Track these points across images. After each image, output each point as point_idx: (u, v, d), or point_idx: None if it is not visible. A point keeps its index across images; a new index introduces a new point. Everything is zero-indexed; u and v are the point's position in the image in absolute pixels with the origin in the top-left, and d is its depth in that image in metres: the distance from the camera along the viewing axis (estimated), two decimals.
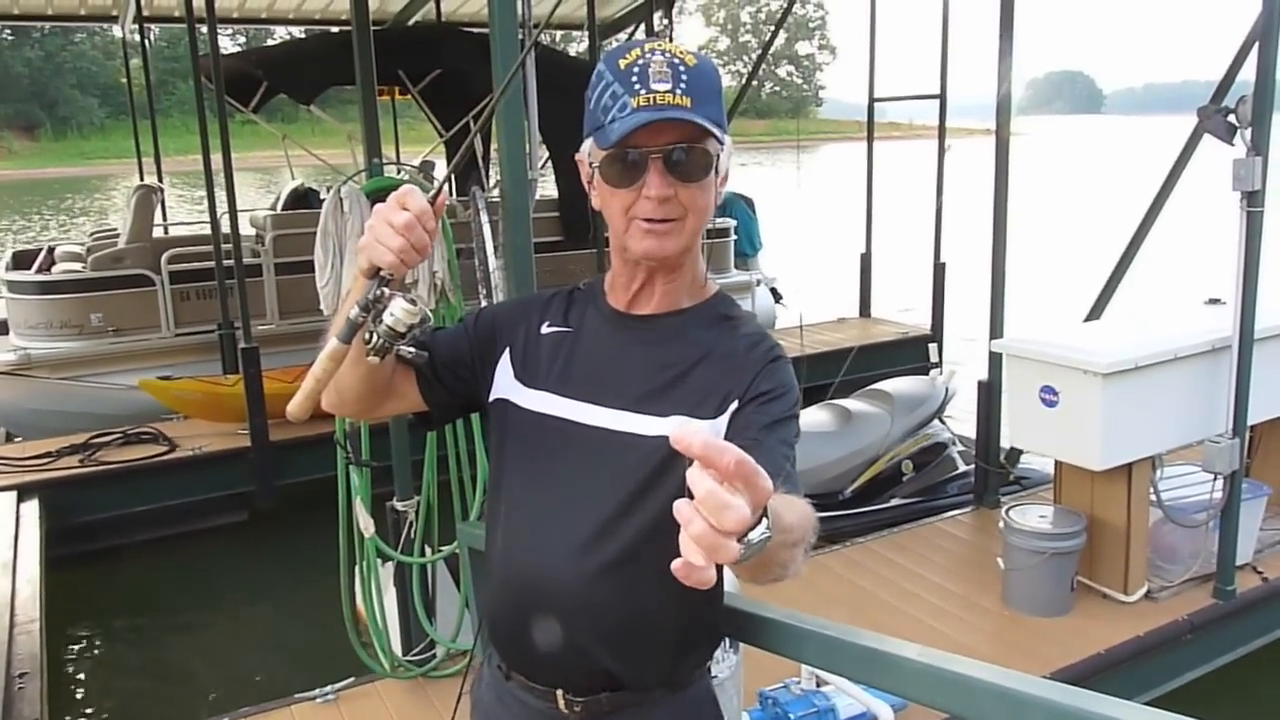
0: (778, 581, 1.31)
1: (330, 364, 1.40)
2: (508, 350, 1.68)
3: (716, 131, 1.47)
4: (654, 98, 1.44)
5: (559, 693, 1.64)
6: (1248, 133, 4.09)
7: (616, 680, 1.61)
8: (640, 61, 1.46)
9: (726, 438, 1.30)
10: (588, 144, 1.54)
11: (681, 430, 0.94)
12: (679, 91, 1.45)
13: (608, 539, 1.53)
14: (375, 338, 1.39)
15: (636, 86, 1.45)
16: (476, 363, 1.69)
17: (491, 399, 1.69)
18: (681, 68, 1.46)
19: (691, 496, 0.93)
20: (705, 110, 1.46)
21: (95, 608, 6.25)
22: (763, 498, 0.98)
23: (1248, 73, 4.32)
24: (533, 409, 1.63)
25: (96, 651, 5.84)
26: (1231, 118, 4.14)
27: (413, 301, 1.39)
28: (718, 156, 1.51)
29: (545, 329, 1.67)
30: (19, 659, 4.58)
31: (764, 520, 1.04)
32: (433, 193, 1.41)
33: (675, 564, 0.94)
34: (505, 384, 1.67)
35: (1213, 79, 4.82)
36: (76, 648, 5.82)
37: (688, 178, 1.48)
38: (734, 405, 1.55)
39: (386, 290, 1.38)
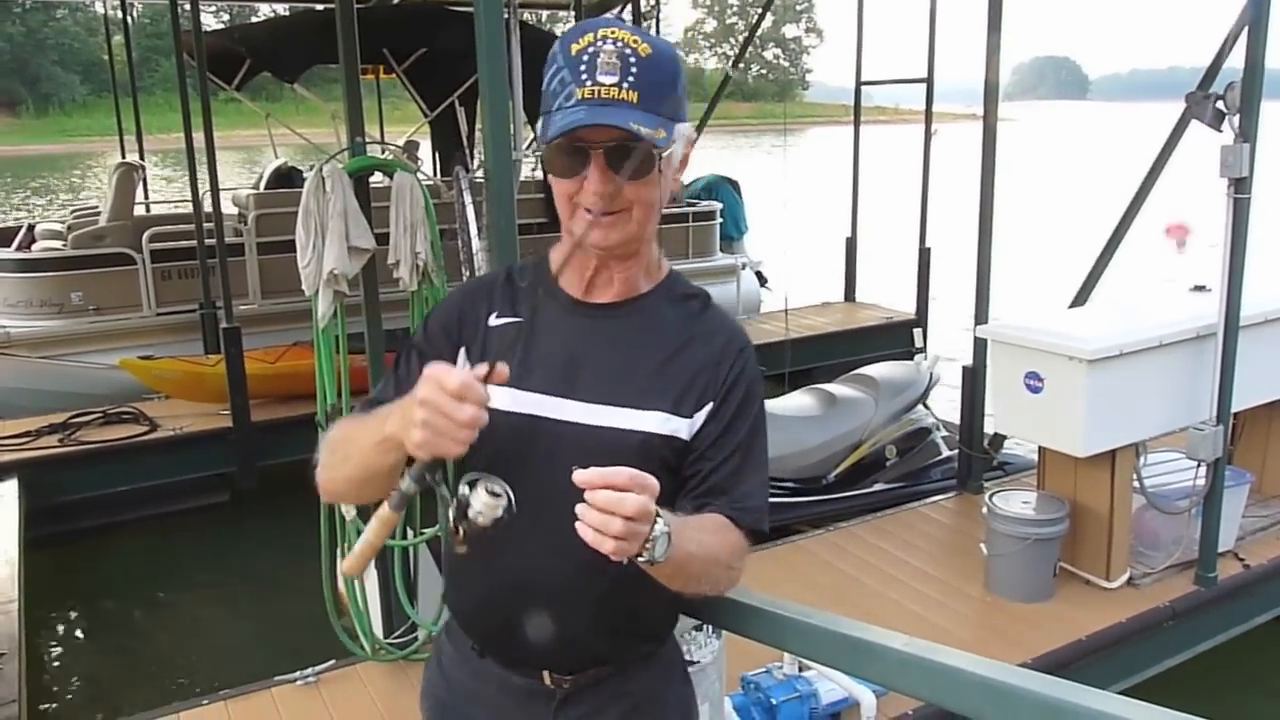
0: (703, 594, 1.55)
1: (384, 530, 1.40)
2: (463, 350, 1.63)
3: (660, 131, 1.44)
4: (598, 91, 1.42)
5: (545, 672, 1.65)
6: (1236, 119, 4.07)
7: (604, 658, 1.66)
8: (590, 49, 1.44)
9: (697, 438, 1.56)
10: (540, 125, 1.52)
11: (584, 477, 1.26)
12: (626, 85, 1.43)
13: None
14: (462, 530, 1.38)
15: (583, 76, 1.43)
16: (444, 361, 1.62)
17: None
18: (632, 58, 1.44)
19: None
20: (654, 104, 1.45)
21: (74, 588, 6.21)
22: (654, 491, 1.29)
23: (1235, 60, 4.31)
24: (499, 407, 1.48)
25: (75, 632, 5.80)
26: (1220, 104, 4.13)
27: (494, 493, 1.37)
28: (662, 154, 1.47)
29: (494, 320, 1.62)
30: None
31: (659, 521, 1.30)
32: (486, 372, 1.33)
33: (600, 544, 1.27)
34: None
35: (1199, 65, 4.82)
36: (55, 628, 5.78)
37: (626, 174, 1.44)
38: (709, 406, 1.58)
39: (460, 486, 1.39)
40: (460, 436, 1.31)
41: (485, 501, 1.36)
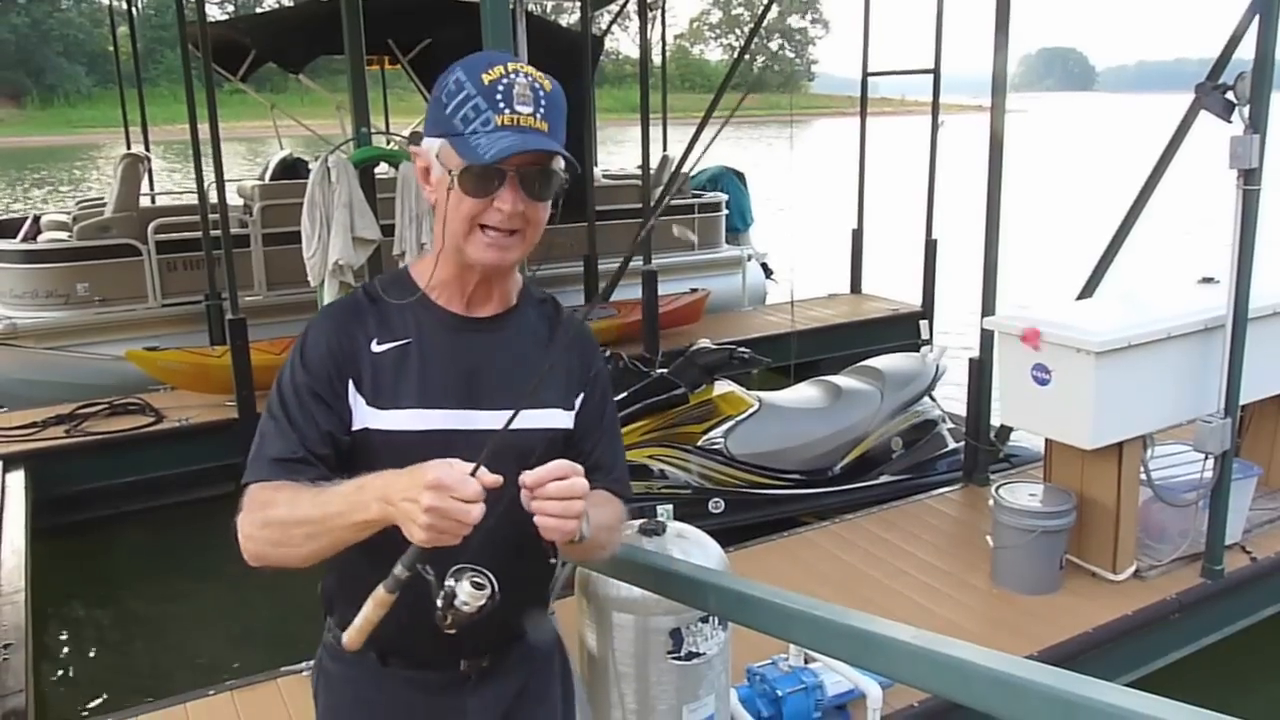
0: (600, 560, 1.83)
1: (382, 610, 1.48)
2: (351, 382, 1.66)
3: (566, 158, 1.60)
4: (518, 119, 1.54)
5: (461, 662, 1.76)
6: (1246, 110, 4.05)
7: (520, 631, 1.84)
8: (505, 80, 1.55)
9: (578, 426, 1.78)
10: (437, 143, 1.61)
11: (534, 477, 1.46)
12: (539, 115, 1.56)
13: (517, 525, 1.52)
14: (447, 616, 1.48)
15: (500, 104, 1.54)
16: (335, 414, 1.66)
17: (354, 428, 1.67)
18: (541, 92, 1.57)
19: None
20: (557, 134, 1.59)
21: (81, 579, 6.22)
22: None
23: (1244, 50, 4.28)
24: (404, 428, 1.65)
25: (82, 623, 5.81)
26: (1229, 94, 4.10)
27: (479, 585, 1.48)
28: (565, 178, 1.64)
29: (378, 347, 1.67)
30: (4, 630, 4.56)
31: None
32: (473, 468, 1.42)
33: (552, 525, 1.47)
34: (361, 414, 1.66)
35: (1206, 57, 4.79)
36: (62, 619, 5.79)
37: (537, 196, 1.60)
38: (581, 396, 1.79)
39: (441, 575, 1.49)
40: (466, 532, 1.40)
41: (470, 593, 1.47)
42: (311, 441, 1.62)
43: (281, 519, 1.55)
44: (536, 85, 1.57)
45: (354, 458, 1.66)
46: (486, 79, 1.55)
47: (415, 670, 1.72)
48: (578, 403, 1.78)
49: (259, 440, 1.65)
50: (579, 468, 1.50)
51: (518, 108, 1.55)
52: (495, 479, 1.42)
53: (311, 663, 1.93)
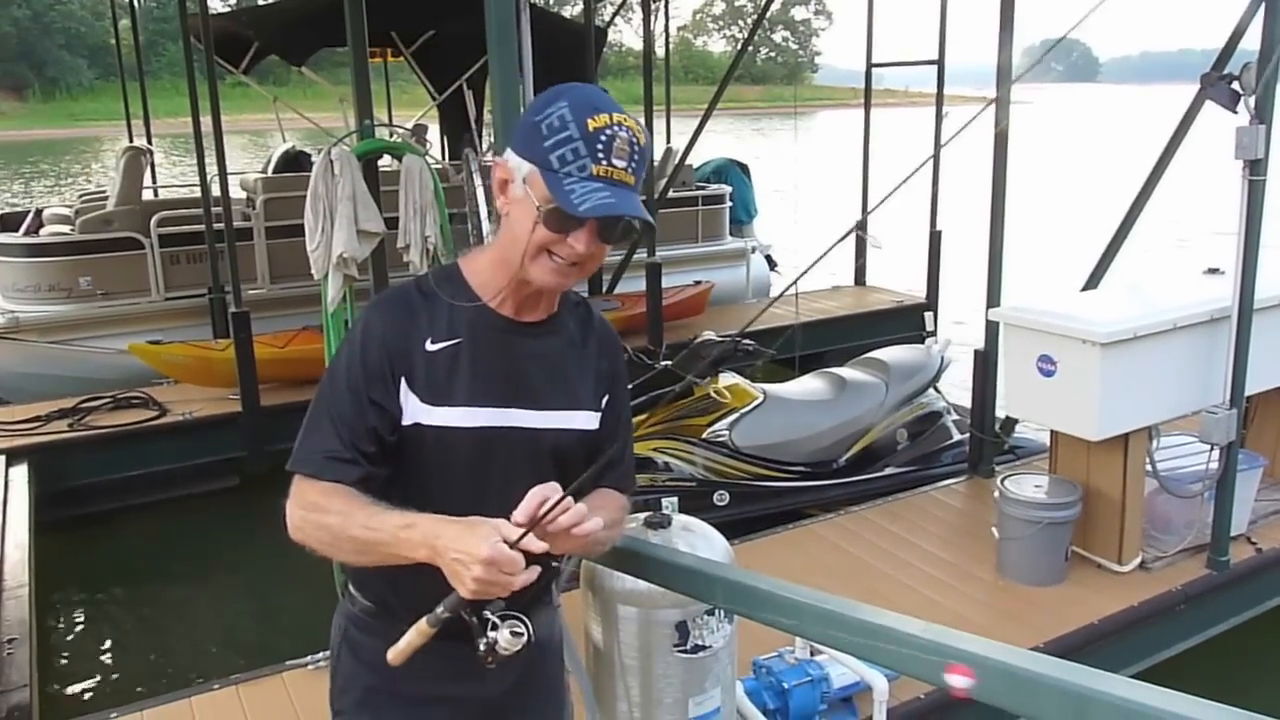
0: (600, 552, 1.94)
1: (423, 640, 1.62)
2: (404, 379, 1.72)
3: (645, 215, 1.66)
4: (613, 173, 1.60)
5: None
6: (1251, 100, 4.03)
7: (541, 599, 1.96)
8: (609, 131, 1.59)
9: (602, 425, 1.88)
10: (526, 166, 1.63)
11: (524, 515, 1.55)
12: (630, 170, 1.62)
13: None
14: (488, 657, 1.63)
15: (600, 155, 1.59)
16: (388, 414, 1.72)
17: (404, 423, 1.74)
18: (637, 147, 1.63)
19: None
20: (640, 186, 1.67)
21: (85, 573, 6.22)
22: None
23: (1250, 41, 4.26)
24: (454, 425, 1.73)
25: (86, 617, 5.81)
26: (1235, 85, 4.08)
27: (517, 633, 1.62)
28: (637, 232, 1.72)
29: (432, 346, 1.74)
30: (8, 624, 4.56)
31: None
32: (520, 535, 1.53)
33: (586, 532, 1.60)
34: (412, 410, 1.73)
35: (1210, 48, 4.77)
36: (66, 613, 5.80)
37: (608, 240, 1.68)
38: (606, 397, 1.90)
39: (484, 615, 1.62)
40: (507, 591, 1.54)
41: (510, 640, 1.61)
42: (361, 439, 1.70)
43: (333, 529, 1.66)
44: (634, 140, 1.62)
45: (404, 449, 1.74)
46: (592, 125, 1.59)
47: (446, 641, 1.70)
48: (602, 403, 1.89)
49: (310, 427, 1.74)
50: (555, 486, 1.60)
51: (615, 161, 1.59)
52: (541, 546, 1.54)
53: (317, 655, 1.96)
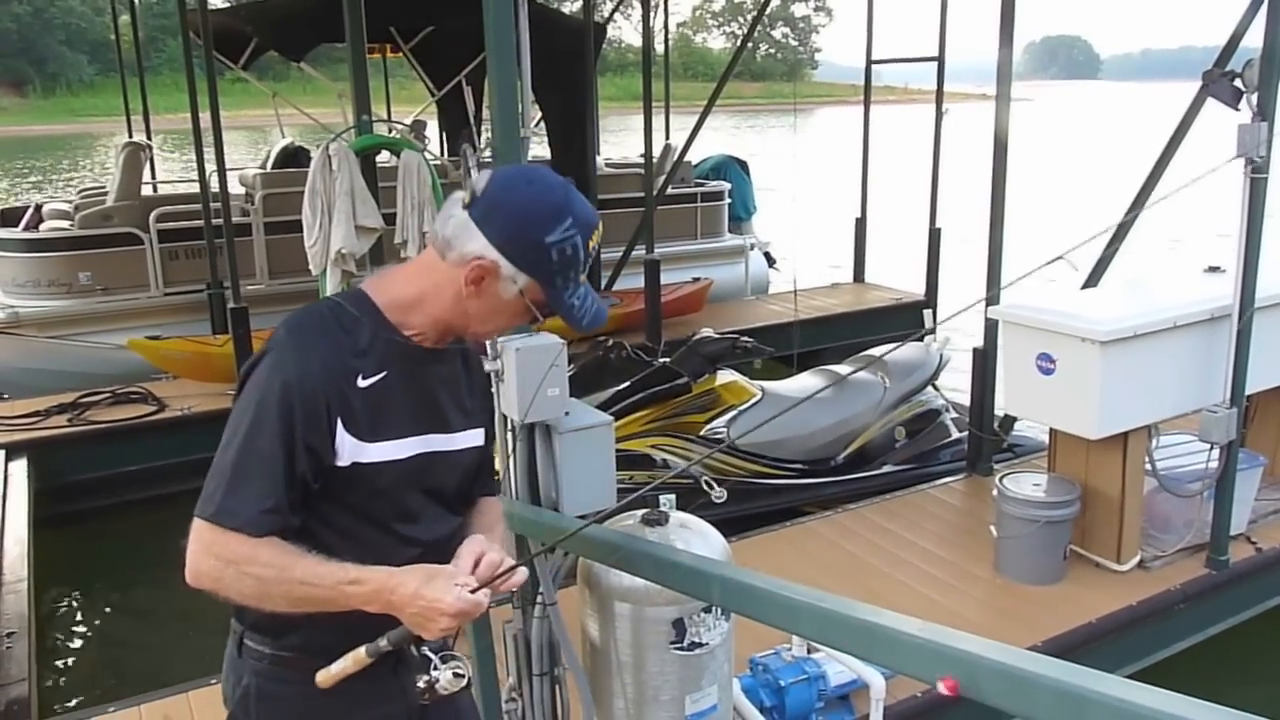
0: None
1: (358, 668, 1.69)
2: (340, 420, 1.69)
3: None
4: (584, 275, 1.76)
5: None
6: (1254, 97, 4.01)
7: None
8: (595, 248, 1.74)
9: (486, 434, 1.98)
10: (524, 278, 1.69)
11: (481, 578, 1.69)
12: None
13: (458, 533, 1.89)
14: (425, 694, 1.71)
15: (587, 265, 1.74)
16: (320, 458, 1.69)
17: (340, 465, 1.70)
18: None
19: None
20: None
21: (84, 567, 6.22)
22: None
23: (1252, 38, 4.25)
24: (391, 459, 1.75)
25: (85, 611, 5.82)
26: (1238, 82, 4.07)
27: (459, 675, 1.71)
28: None
29: (363, 382, 1.72)
30: (7, 618, 4.56)
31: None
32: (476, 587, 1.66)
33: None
34: (350, 449, 1.70)
35: (1212, 45, 4.76)
36: (65, 607, 5.80)
37: None
38: (482, 410, 1.98)
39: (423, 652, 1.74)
40: (451, 629, 1.65)
41: (451, 680, 1.70)
42: (291, 488, 1.65)
43: (265, 581, 1.61)
44: None
45: (334, 489, 1.71)
46: (592, 244, 1.72)
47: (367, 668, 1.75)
48: (482, 416, 1.98)
49: (237, 476, 1.64)
50: (485, 542, 1.79)
51: (589, 265, 1.76)
52: (488, 598, 1.67)
53: None
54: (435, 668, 1.70)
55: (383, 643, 1.66)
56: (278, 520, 1.62)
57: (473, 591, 1.63)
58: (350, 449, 1.69)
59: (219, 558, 1.62)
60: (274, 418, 1.64)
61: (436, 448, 1.83)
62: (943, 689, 1.28)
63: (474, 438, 1.92)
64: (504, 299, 1.71)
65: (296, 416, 1.64)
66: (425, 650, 1.73)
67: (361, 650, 1.66)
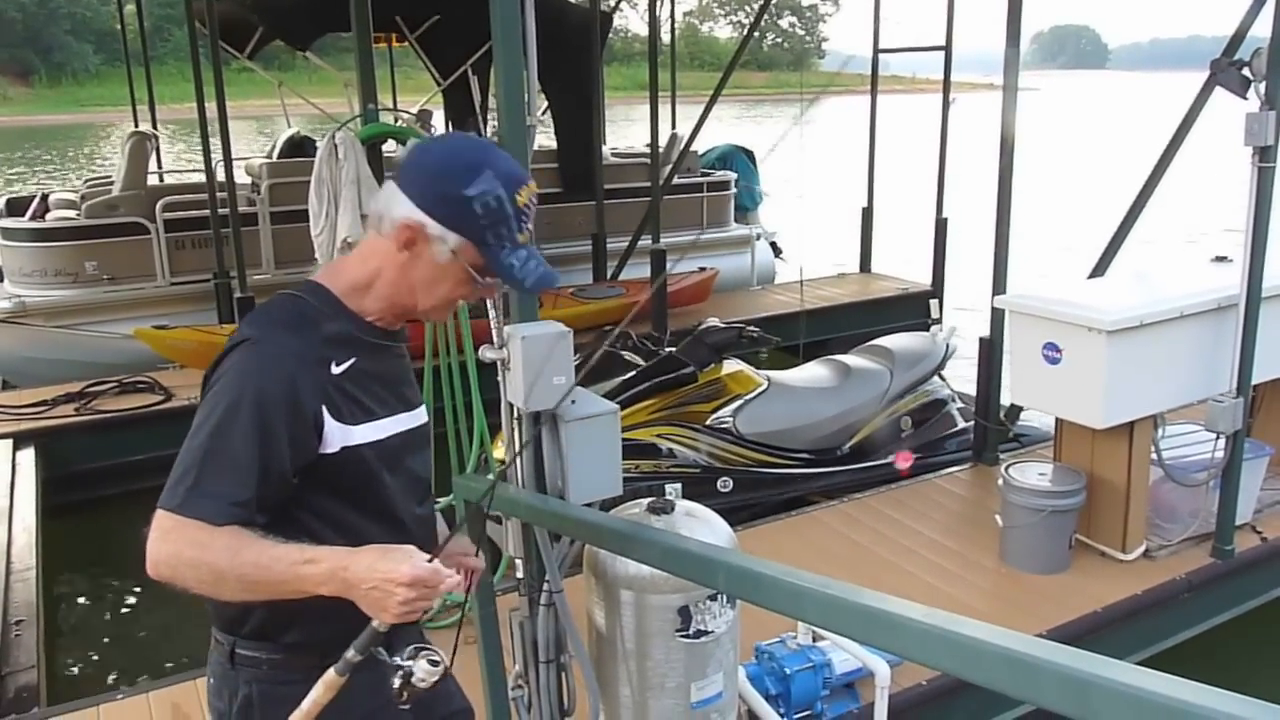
0: None
1: (331, 693, 1.62)
2: (324, 408, 1.71)
3: (558, 277, 1.89)
4: (527, 237, 1.76)
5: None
6: (1262, 86, 4.00)
7: None
8: (530, 204, 1.75)
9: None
10: (453, 238, 1.70)
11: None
12: (533, 227, 1.79)
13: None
14: (404, 694, 1.61)
15: (523, 224, 1.74)
16: (304, 450, 1.70)
17: (330, 452, 1.73)
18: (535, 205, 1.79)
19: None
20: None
21: (92, 556, 6.25)
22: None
23: (1261, 27, 4.23)
24: (376, 439, 1.80)
25: (93, 599, 5.84)
26: (1246, 70, 4.05)
27: (434, 662, 1.62)
28: None
29: (337, 370, 1.75)
30: (15, 606, 4.58)
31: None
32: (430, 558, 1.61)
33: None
34: (338, 436, 1.73)
35: (1220, 34, 4.75)
36: (73, 596, 5.82)
37: None
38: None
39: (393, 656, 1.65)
40: (421, 608, 1.59)
41: (427, 670, 1.61)
42: (263, 482, 1.64)
43: (217, 567, 1.58)
44: (535, 202, 1.78)
45: (325, 476, 1.73)
46: (520, 200, 1.72)
47: (361, 675, 1.72)
48: None
49: (202, 468, 1.62)
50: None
51: (528, 226, 1.75)
52: (450, 573, 1.63)
53: None
54: (407, 658, 1.62)
55: (350, 654, 1.60)
56: (242, 514, 1.61)
57: (430, 560, 1.59)
58: (339, 435, 1.73)
59: (175, 544, 1.60)
60: (247, 416, 1.63)
61: (407, 425, 1.89)
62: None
63: (424, 412, 1.99)
64: (440, 263, 1.72)
65: (274, 416, 1.64)
66: (397, 659, 1.65)
67: (330, 673, 1.61)
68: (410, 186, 1.71)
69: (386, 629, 1.58)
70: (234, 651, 1.83)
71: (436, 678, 1.61)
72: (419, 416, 1.96)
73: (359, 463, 1.76)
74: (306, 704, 1.61)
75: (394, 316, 1.84)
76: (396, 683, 1.60)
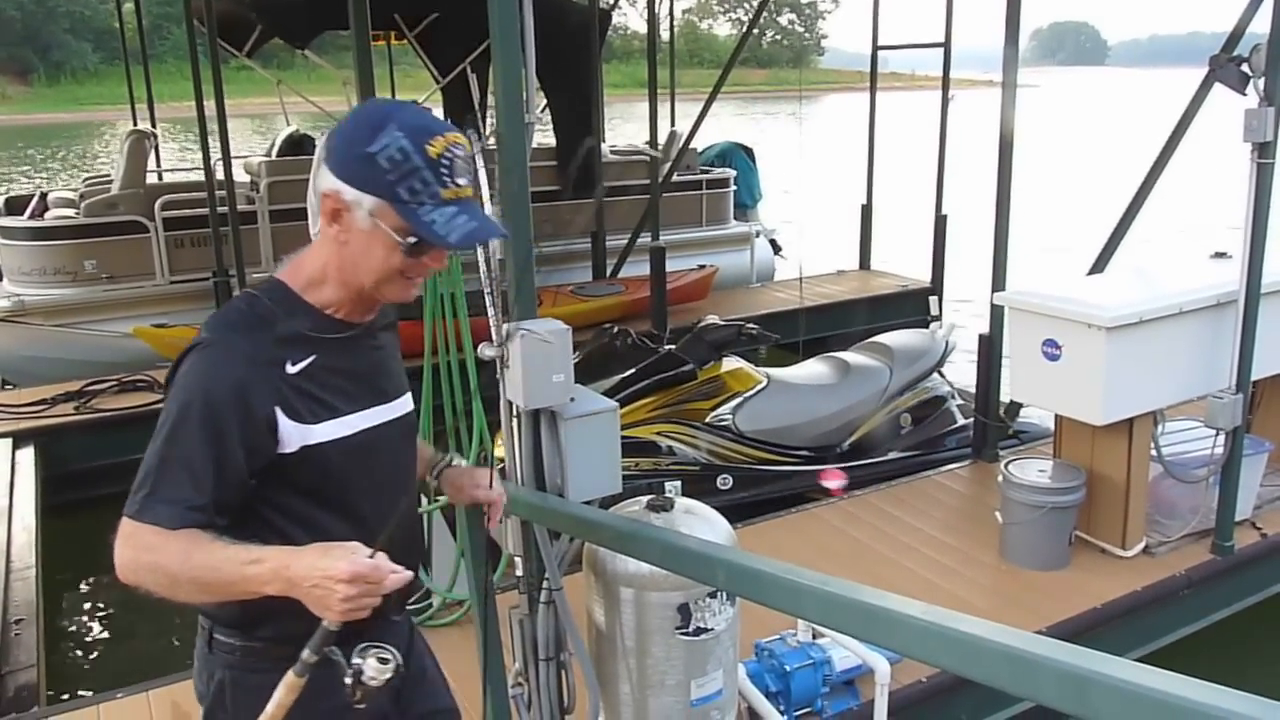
0: None
1: (293, 694, 1.62)
2: (278, 409, 1.69)
3: (502, 232, 1.95)
4: (460, 193, 1.67)
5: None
6: (1261, 82, 4.00)
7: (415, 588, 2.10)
8: (448, 155, 1.65)
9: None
10: (368, 200, 1.65)
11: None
12: (471, 182, 1.70)
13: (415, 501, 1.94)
14: (356, 692, 1.60)
15: (445, 179, 1.65)
16: (259, 453, 1.69)
17: (289, 452, 1.72)
18: (470, 159, 1.71)
19: None
20: (479, 194, 1.79)
21: (91, 555, 6.23)
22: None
23: (1260, 24, 4.23)
24: (340, 436, 1.77)
25: (92, 598, 5.84)
26: (1245, 67, 4.05)
27: (384, 660, 1.61)
28: None
29: (293, 368, 1.72)
30: (15, 605, 4.58)
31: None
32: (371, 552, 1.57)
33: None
34: (296, 435, 1.71)
35: (1220, 31, 4.74)
36: (72, 594, 5.82)
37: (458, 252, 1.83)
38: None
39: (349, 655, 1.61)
40: (367, 605, 1.55)
41: (377, 668, 1.59)
42: (219, 486, 1.65)
43: (171, 570, 1.61)
44: (467, 155, 1.69)
45: (287, 476, 1.73)
46: (432, 151, 1.63)
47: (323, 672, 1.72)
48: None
49: (159, 474, 1.64)
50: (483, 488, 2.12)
51: (459, 180, 1.66)
52: (395, 567, 1.58)
53: None
54: (357, 656, 1.61)
55: (306, 654, 1.59)
56: (198, 518, 1.62)
57: (371, 555, 1.56)
58: (297, 434, 1.71)
59: (134, 549, 1.63)
60: (197, 421, 1.64)
61: (380, 419, 1.85)
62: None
63: (408, 403, 1.96)
64: (365, 231, 1.68)
65: (225, 419, 1.65)
66: (355, 660, 1.63)
67: (290, 675, 1.61)
68: (330, 159, 1.69)
69: (338, 628, 1.57)
70: (212, 636, 1.86)
71: (388, 675, 1.60)
72: (398, 408, 1.92)
73: (322, 461, 1.74)
74: (271, 707, 1.61)
75: (355, 304, 1.80)
76: (348, 681, 1.60)
